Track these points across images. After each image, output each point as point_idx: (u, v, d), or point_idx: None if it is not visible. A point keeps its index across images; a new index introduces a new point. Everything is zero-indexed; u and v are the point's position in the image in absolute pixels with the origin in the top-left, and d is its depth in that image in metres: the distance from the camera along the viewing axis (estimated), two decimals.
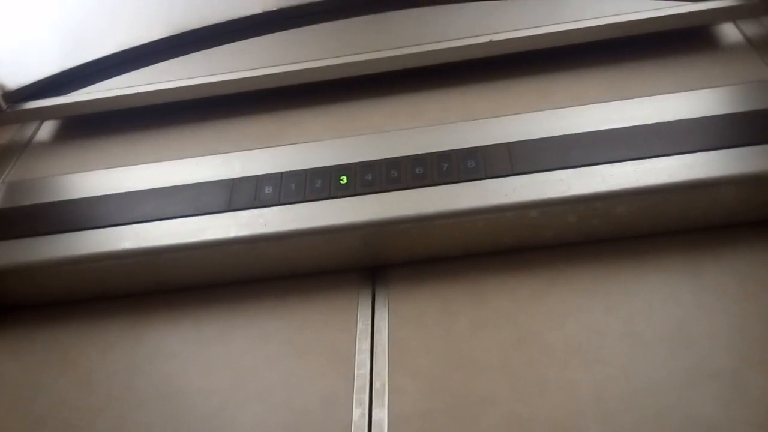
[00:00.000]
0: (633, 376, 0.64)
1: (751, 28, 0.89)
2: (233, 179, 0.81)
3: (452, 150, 0.78)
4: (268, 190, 0.79)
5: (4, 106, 0.94)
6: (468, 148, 0.78)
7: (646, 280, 0.72)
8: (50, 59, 0.96)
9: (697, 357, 0.65)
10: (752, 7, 0.86)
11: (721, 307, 0.68)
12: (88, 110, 0.94)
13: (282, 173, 0.80)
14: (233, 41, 0.96)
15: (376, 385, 0.69)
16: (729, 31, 0.90)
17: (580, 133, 0.77)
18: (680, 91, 0.80)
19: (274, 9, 0.96)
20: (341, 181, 0.78)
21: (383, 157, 0.79)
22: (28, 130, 0.99)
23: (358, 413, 0.67)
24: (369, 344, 0.72)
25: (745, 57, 0.85)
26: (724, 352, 0.65)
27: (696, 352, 0.65)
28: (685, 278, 0.71)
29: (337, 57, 0.89)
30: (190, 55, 0.96)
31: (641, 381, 0.64)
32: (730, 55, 0.86)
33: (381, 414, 0.66)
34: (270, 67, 0.90)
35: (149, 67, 0.96)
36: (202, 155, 0.85)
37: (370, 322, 0.74)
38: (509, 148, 0.77)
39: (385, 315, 0.75)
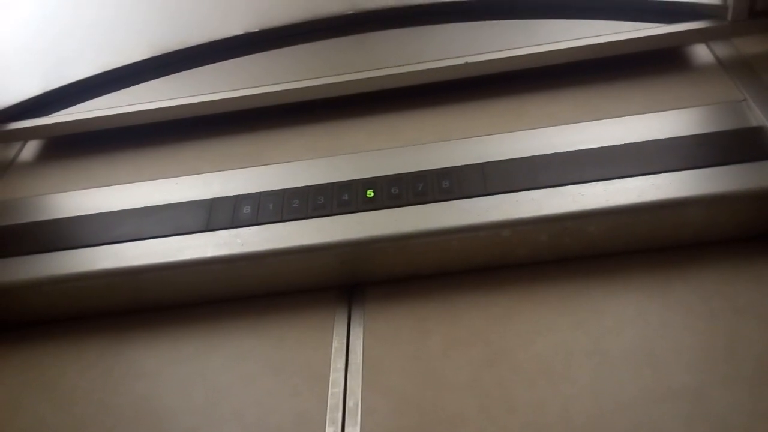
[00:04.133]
0: (600, 394, 0.65)
1: (723, 50, 0.90)
2: (212, 199, 0.82)
3: (427, 170, 0.80)
4: (246, 210, 0.80)
5: None
6: (443, 168, 0.80)
7: (614, 298, 0.73)
8: (33, 80, 0.97)
9: (663, 374, 0.66)
10: (724, 29, 0.87)
11: (687, 324, 0.69)
12: (70, 131, 0.95)
13: (260, 193, 0.81)
14: (214, 62, 0.98)
15: (349, 403, 0.70)
16: (701, 53, 0.91)
17: (552, 154, 0.78)
18: (651, 112, 0.81)
19: (255, 30, 0.97)
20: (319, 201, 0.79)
21: (359, 178, 0.81)
22: (12, 151, 1.00)
23: None
24: (344, 363, 0.73)
25: (716, 78, 0.86)
26: (690, 369, 0.66)
27: (661, 370, 0.66)
28: (652, 296, 0.72)
29: (315, 78, 0.90)
30: (171, 76, 0.97)
31: (608, 399, 0.65)
32: (702, 76, 0.87)
33: None
34: (249, 88, 0.91)
35: (131, 87, 0.97)
36: (182, 175, 0.87)
37: (345, 340, 0.75)
38: (483, 168, 0.79)
39: (361, 334, 0.76)
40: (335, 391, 0.71)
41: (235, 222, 0.79)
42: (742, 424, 0.61)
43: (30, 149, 1.00)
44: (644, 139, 0.78)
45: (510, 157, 0.79)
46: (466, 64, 0.88)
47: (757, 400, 0.63)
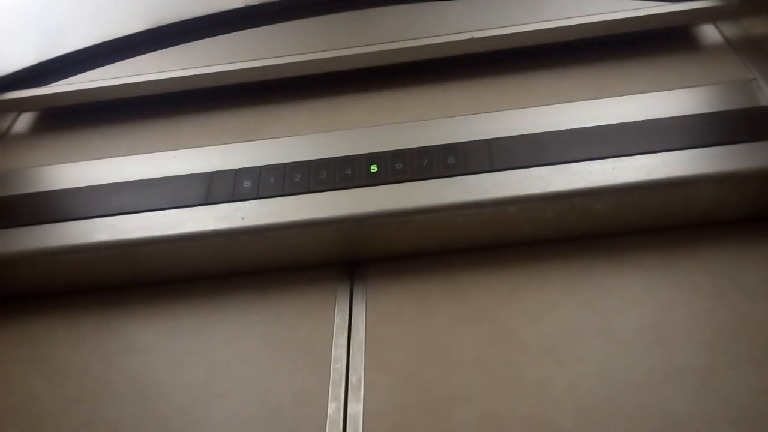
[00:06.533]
0: (607, 372, 0.65)
1: (731, 30, 0.89)
2: (211, 172, 0.80)
3: (432, 146, 0.78)
4: (246, 183, 0.78)
5: None
6: (448, 144, 0.78)
7: (622, 277, 0.72)
8: (28, 50, 0.95)
9: (671, 353, 0.65)
10: (732, 9, 0.87)
11: (696, 304, 0.68)
12: (66, 102, 0.93)
13: (261, 167, 0.80)
14: (214, 35, 0.96)
15: (352, 379, 0.68)
16: (709, 33, 0.90)
17: (559, 131, 0.77)
18: (659, 91, 0.80)
19: (256, 3, 0.95)
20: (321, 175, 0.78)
21: (363, 152, 0.79)
22: (6, 122, 0.97)
23: (334, 407, 0.66)
24: (346, 339, 0.72)
25: (724, 58, 0.85)
26: (698, 348, 0.65)
27: (670, 349, 0.65)
28: (660, 275, 0.71)
29: (318, 52, 0.88)
30: (170, 48, 0.95)
31: (616, 377, 0.64)
32: (710, 56, 0.86)
33: (356, 408, 0.66)
34: (250, 60, 0.89)
35: (128, 60, 0.95)
36: (181, 148, 0.85)
37: (347, 317, 0.74)
38: (489, 144, 0.77)
39: (363, 310, 0.74)
40: (337, 367, 0.69)
41: (235, 195, 0.77)
42: (750, 403, 0.61)
43: (24, 120, 0.98)
44: (653, 117, 0.77)
45: (517, 134, 0.78)
46: (473, 39, 0.86)
47: (765, 379, 0.62)
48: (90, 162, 0.86)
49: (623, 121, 0.77)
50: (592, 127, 0.77)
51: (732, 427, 0.60)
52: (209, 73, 0.90)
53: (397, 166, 0.77)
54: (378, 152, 0.79)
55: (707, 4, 0.86)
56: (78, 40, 0.95)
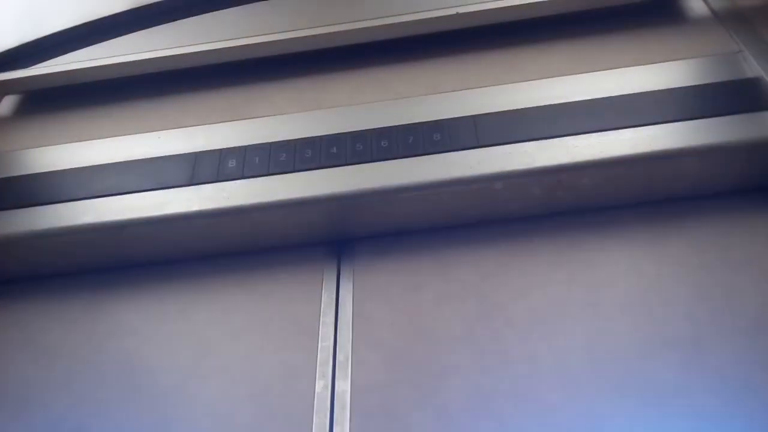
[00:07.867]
0: (594, 346, 0.65)
1: (717, 2, 0.88)
2: (196, 153, 0.80)
3: (418, 123, 0.78)
4: (231, 163, 0.78)
5: None
6: (433, 120, 0.78)
7: (608, 252, 0.72)
8: (9, 32, 0.94)
9: (658, 326, 0.65)
10: None
11: (682, 277, 0.69)
12: (49, 84, 0.92)
13: (246, 147, 0.79)
14: (198, 14, 0.95)
15: (339, 357, 0.68)
16: (695, 4, 0.89)
17: (545, 106, 0.77)
18: (645, 64, 0.80)
19: None
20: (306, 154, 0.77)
21: (348, 131, 0.79)
22: None
23: (321, 385, 0.66)
24: (333, 317, 0.72)
25: (710, 30, 0.85)
26: (684, 321, 0.65)
27: (657, 322, 0.66)
28: (647, 249, 0.71)
29: (302, 30, 0.88)
30: (153, 28, 0.94)
31: (602, 351, 0.64)
32: (696, 28, 0.86)
33: (344, 386, 0.66)
34: (235, 39, 0.88)
35: (111, 40, 0.94)
36: (165, 129, 0.84)
37: (334, 295, 0.74)
38: (475, 120, 0.77)
39: (350, 288, 0.74)
40: (325, 345, 0.70)
41: (220, 176, 0.77)
42: (737, 374, 0.61)
43: (7, 103, 0.97)
44: (639, 91, 0.76)
45: (502, 109, 0.77)
46: (458, 14, 0.86)
47: (752, 352, 0.62)
48: (74, 144, 0.85)
49: (609, 95, 0.76)
50: (577, 101, 0.76)
51: (719, 398, 0.60)
52: (193, 53, 0.89)
53: (382, 143, 0.77)
54: (363, 130, 0.78)
55: None
56: (60, 21, 0.94)
